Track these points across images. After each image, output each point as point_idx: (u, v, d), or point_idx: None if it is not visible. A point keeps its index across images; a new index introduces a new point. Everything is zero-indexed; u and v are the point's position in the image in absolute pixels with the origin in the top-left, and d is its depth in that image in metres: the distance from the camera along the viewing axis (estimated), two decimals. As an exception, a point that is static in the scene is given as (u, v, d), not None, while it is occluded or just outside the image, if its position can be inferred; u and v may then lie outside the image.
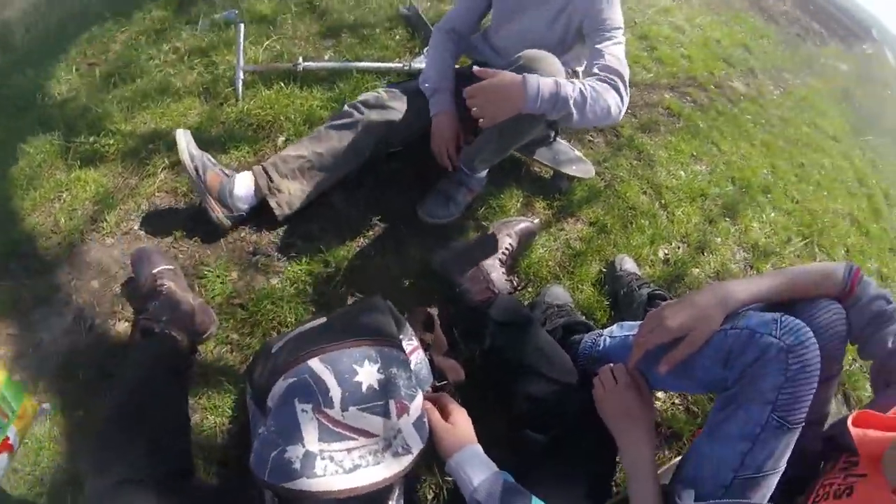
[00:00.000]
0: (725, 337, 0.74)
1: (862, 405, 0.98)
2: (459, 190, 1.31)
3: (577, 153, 1.51)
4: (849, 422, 0.69)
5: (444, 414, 0.87)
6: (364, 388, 0.83)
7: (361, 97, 1.31)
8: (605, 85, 1.06)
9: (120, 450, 0.81)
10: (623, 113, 1.10)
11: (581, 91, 1.02)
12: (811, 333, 0.71)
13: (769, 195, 2.03)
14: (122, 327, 1.21)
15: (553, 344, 1.04)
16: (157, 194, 1.38)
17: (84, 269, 1.27)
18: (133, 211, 1.35)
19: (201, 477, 1.03)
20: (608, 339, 1.02)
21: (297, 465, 0.76)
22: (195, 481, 0.94)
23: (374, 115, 1.26)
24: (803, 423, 0.71)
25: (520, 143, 1.21)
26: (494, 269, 1.21)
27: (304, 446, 0.77)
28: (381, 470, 0.79)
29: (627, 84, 1.10)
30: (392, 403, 0.83)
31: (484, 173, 1.32)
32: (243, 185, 1.25)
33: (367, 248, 1.28)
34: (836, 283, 0.80)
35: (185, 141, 1.23)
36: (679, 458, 1.21)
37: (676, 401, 1.31)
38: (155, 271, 1.14)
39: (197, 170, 1.23)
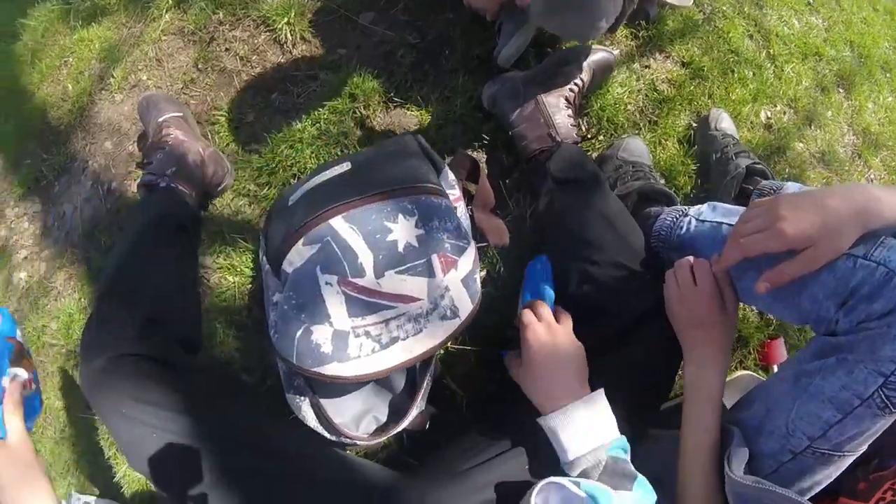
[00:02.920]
0: (854, 268, 0.52)
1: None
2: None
3: (673, -26, 1.15)
4: None
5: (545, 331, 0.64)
6: (401, 247, 0.64)
7: None
8: None
9: (114, 325, 0.66)
10: None
11: None
12: None
13: (888, 74, 1.57)
14: (139, 186, 1.11)
15: (624, 214, 0.79)
16: (163, 38, 1.16)
17: (97, 131, 1.15)
18: (140, 60, 1.15)
19: (220, 339, 0.91)
20: (694, 222, 0.75)
21: (328, 349, 0.60)
22: (201, 354, 0.81)
23: None
24: None
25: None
26: (559, 109, 0.94)
27: (331, 325, 0.60)
28: (423, 339, 0.63)
29: None
30: (435, 259, 0.64)
31: None
32: None
33: (402, 77, 1.01)
34: None
35: None
36: (741, 372, 0.97)
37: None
38: (161, 119, 0.96)
39: None
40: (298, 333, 0.62)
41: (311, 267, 0.64)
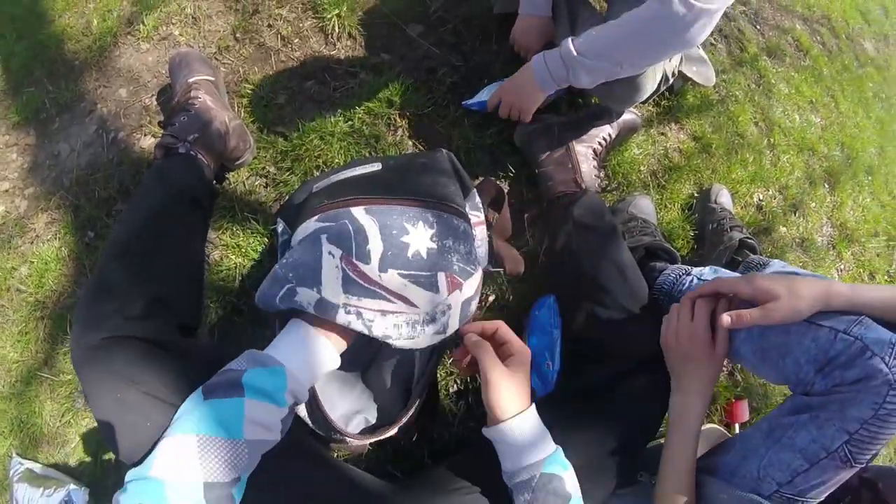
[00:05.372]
0: (834, 340, 0.61)
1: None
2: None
3: (702, 53, 1.24)
4: None
5: (502, 352, 0.66)
6: (410, 252, 0.63)
7: None
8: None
9: (118, 298, 0.63)
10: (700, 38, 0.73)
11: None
12: None
13: (870, 177, 1.74)
14: (148, 143, 1.04)
15: (633, 265, 0.85)
16: (204, -5, 1.12)
17: (113, 75, 1.10)
18: (175, 14, 1.13)
19: (211, 322, 0.89)
20: (696, 281, 0.84)
21: (311, 312, 0.59)
22: (197, 338, 0.79)
23: None
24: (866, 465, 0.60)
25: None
26: (587, 159, 1.00)
27: (319, 293, 0.58)
28: (410, 345, 0.63)
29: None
30: (442, 277, 0.64)
31: None
32: None
33: (440, 95, 1.04)
34: None
35: None
36: (710, 425, 1.04)
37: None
38: (191, 80, 0.93)
39: None
40: (281, 293, 0.60)
41: (316, 234, 0.62)
